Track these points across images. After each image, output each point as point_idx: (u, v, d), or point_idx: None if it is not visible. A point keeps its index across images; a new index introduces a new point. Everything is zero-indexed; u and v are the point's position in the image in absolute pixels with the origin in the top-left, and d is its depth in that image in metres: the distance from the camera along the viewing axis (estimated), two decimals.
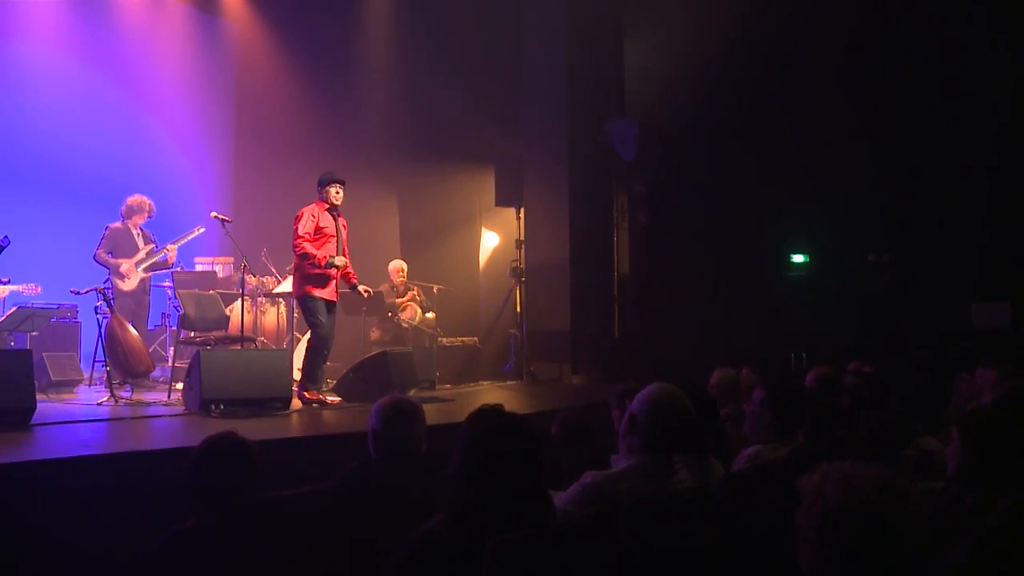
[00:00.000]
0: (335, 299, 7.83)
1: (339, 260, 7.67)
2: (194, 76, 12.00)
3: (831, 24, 10.70)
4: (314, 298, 7.66)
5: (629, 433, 3.24)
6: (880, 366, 5.83)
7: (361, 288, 8.12)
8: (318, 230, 7.67)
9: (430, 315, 11.01)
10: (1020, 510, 2.43)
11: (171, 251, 9.07)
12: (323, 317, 7.68)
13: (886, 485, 1.84)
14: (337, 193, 7.77)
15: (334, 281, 7.76)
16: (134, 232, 9.14)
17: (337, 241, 7.76)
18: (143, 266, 9.05)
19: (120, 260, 8.95)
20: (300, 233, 7.62)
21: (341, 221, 7.88)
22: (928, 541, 1.87)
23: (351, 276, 8.02)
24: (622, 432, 3.29)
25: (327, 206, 7.77)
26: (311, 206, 7.76)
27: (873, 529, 1.81)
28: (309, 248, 7.58)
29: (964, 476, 2.83)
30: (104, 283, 8.66)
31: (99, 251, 8.95)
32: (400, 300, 10.81)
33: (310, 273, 7.65)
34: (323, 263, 7.58)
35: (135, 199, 9.18)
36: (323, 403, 7.56)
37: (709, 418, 3.90)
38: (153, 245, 9.14)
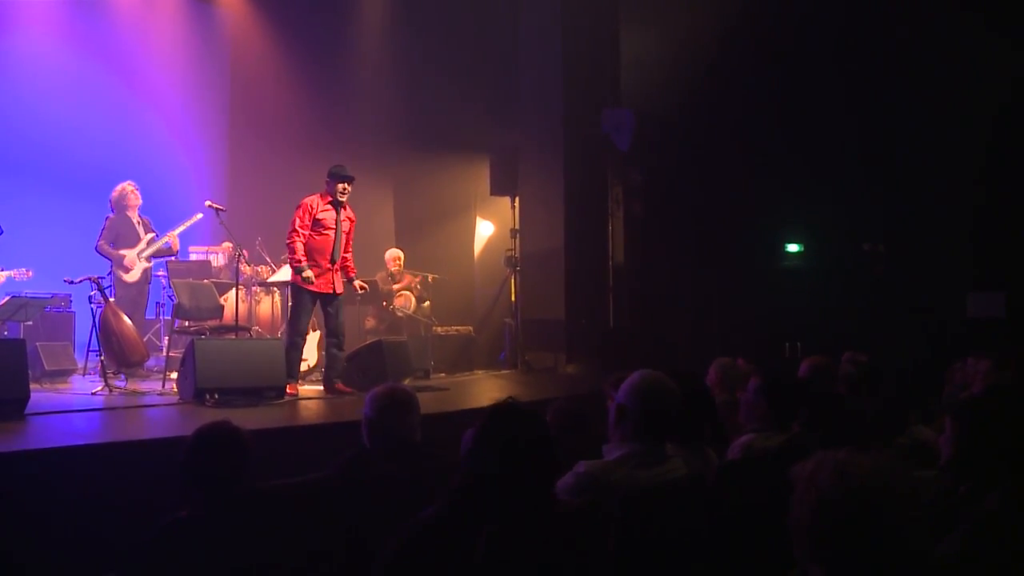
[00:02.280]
0: (330, 291, 7.77)
1: (310, 276, 7.57)
2: (188, 65, 11.96)
3: (826, 14, 10.68)
4: (300, 289, 7.68)
5: (619, 422, 3.25)
6: (874, 355, 5.84)
7: (357, 283, 8.10)
8: (317, 222, 7.67)
9: (425, 304, 11.01)
10: (1012, 498, 2.44)
11: (173, 238, 9.06)
12: (303, 313, 7.73)
13: (879, 473, 1.84)
14: (344, 191, 7.76)
15: (330, 273, 7.73)
16: (133, 220, 9.12)
17: (336, 235, 7.74)
18: (145, 255, 9.03)
19: (123, 252, 8.92)
20: (295, 227, 7.63)
21: (345, 214, 7.86)
22: (921, 529, 1.88)
23: (350, 269, 8.02)
24: (612, 423, 3.29)
25: (330, 199, 7.76)
26: (314, 197, 7.77)
27: (866, 517, 1.81)
28: (296, 246, 7.58)
29: (957, 465, 2.84)
30: (107, 274, 8.65)
31: (101, 242, 8.92)
32: (397, 287, 10.80)
33: (288, 256, 7.68)
34: (301, 265, 7.56)
35: (117, 190, 9.12)
36: (297, 396, 7.54)
37: (705, 408, 3.90)
38: (154, 233, 9.12)
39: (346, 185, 7.75)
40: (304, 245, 7.62)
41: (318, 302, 7.78)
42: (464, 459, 2.59)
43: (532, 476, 2.54)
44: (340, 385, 7.76)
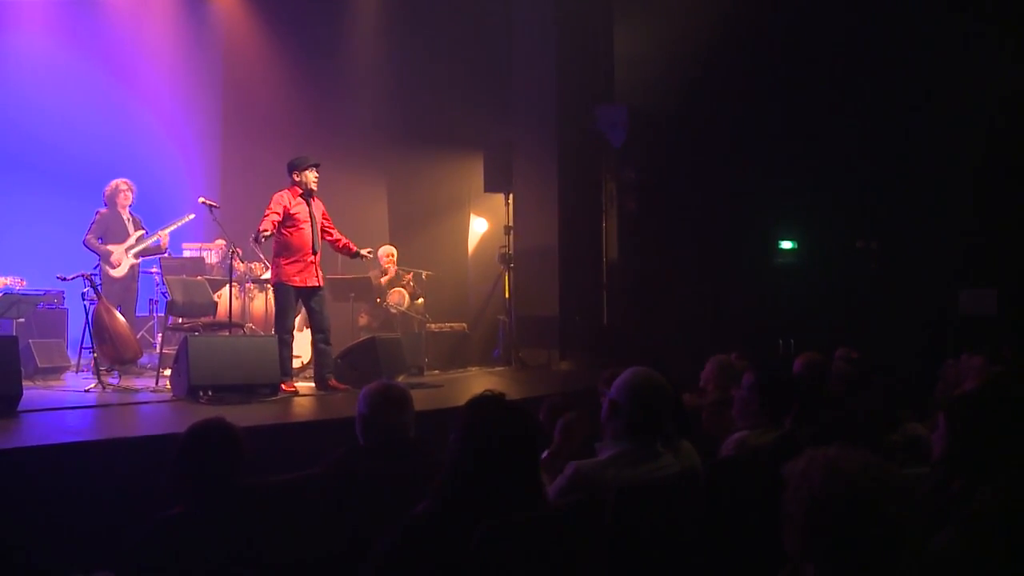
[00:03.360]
0: (314, 284, 7.74)
1: (267, 230, 7.49)
2: (181, 61, 11.91)
3: (820, 11, 10.70)
4: (284, 287, 7.66)
5: (611, 419, 3.25)
6: (867, 352, 5.86)
7: (364, 252, 8.15)
8: (290, 217, 7.62)
9: (418, 301, 11.00)
10: (1004, 494, 2.45)
11: (163, 237, 9.03)
12: (289, 310, 7.71)
13: (871, 470, 1.85)
14: (316, 179, 7.73)
15: (312, 266, 7.70)
16: (124, 216, 9.08)
17: (312, 227, 7.72)
18: (133, 252, 9.00)
19: (110, 247, 8.89)
20: (265, 213, 7.59)
21: (316, 204, 7.82)
22: (913, 525, 1.88)
23: (350, 246, 8.03)
24: (604, 419, 3.29)
25: (300, 191, 7.72)
26: (283, 193, 7.69)
27: (858, 513, 1.82)
28: (264, 224, 7.51)
29: (950, 461, 2.85)
30: (94, 269, 8.62)
31: (89, 236, 8.88)
32: (396, 290, 10.79)
33: (279, 259, 7.68)
34: (258, 231, 7.53)
35: (110, 186, 9.09)
36: (296, 393, 7.53)
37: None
38: (144, 231, 9.09)
39: (317, 172, 7.73)
40: (273, 227, 7.54)
41: (300, 298, 7.77)
42: (448, 452, 2.58)
43: (518, 469, 2.54)
44: (333, 381, 7.73)
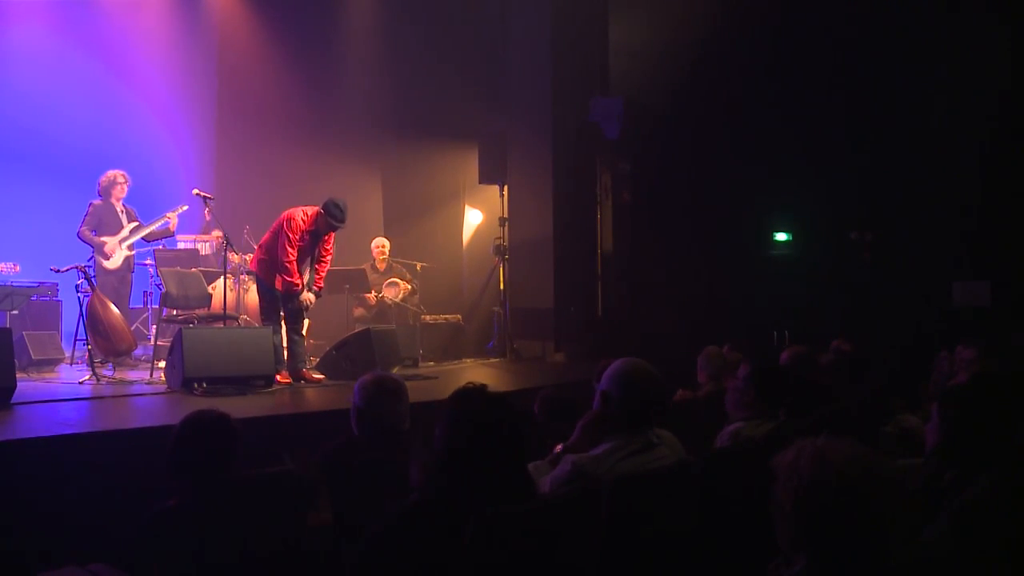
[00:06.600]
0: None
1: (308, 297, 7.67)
2: (175, 53, 11.87)
3: (815, 2, 10.69)
4: (264, 283, 7.72)
5: (603, 411, 3.24)
6: (861, 344, 5.87)
7: (308, 296, 7.88)
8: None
9: (413, 293, 11.00)
10: (997, 486, 2.46)
11: (172, 219, 8.93)
12: (273, 300, 7.73)
13: (859, 460, 1.86)
14: (326, 226, 7.67)
15: (294, 287, 7.70)
16: (117, 208, 9.03)
17: (311, 263, 7.76)
18: (128, 243, 8.96)
19: (104, 239, 8.86)
20: (291, 243, 7.58)
21: (322, 247, 7.83)
22: (902, 514, 1.89)
23: (318, 280, 7.98)
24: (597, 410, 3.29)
25: (315, 228, 7.69)
26: (300, 213, 7.67)
27: (847, 503, 1.83)
28: (294, 267, 7.55)
29: (943, 452, 2.86)
30: (88, 261, 8.60)
31: (83, 228, 8.83)
32: (391, 281, 10.77)
33: (265, 258, 7.70)
34: (295, 279, 7.56)
35: (106, 176, 9.03)
36: (290, 384, 7.56)
37: None
38: (138, 223, 9.05)
39: (331, 231, 7.71)
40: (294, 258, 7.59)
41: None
42: (434, 444, 2.59)
43: (503, 459, 2.55)
44: (306, 372, 7.77)
